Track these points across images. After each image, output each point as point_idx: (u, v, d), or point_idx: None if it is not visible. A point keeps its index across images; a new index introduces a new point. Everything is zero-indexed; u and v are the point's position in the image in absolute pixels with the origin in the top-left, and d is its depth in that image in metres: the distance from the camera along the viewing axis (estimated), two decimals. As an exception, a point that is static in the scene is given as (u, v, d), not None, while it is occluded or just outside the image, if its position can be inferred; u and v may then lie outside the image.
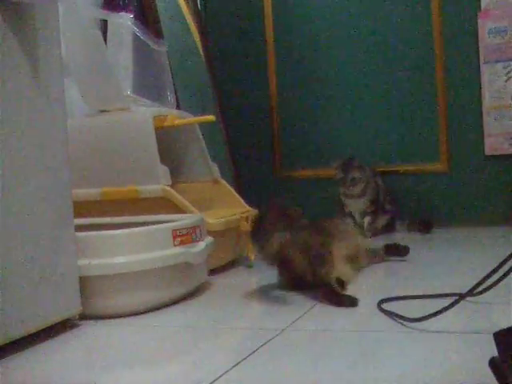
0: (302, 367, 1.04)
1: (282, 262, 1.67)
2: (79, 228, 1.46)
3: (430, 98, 2.93)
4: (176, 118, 2.12)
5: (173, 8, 2.84)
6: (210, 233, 1.83)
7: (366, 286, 1.67)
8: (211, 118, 2.15)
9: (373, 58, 3.02)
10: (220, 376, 1.00)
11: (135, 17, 2.30)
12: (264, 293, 1.77)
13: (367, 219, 2.71)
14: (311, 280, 1.58)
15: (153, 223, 1.62)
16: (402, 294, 1.46)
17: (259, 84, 3.21)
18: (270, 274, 1.93)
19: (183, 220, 1.67)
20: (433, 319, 1.19)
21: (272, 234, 1.61)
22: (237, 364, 1.06)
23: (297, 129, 3.15)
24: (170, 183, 1.98)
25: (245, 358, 1.08)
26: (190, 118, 2.21)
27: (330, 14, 3.08)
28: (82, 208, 1.72)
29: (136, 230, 1.53)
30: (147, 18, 2.44)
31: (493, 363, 0.81)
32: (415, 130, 2.96)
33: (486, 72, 2.79)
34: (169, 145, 2.23)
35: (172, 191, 1.94)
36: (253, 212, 2.21)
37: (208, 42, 3.11)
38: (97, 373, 1.10)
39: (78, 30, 1.99)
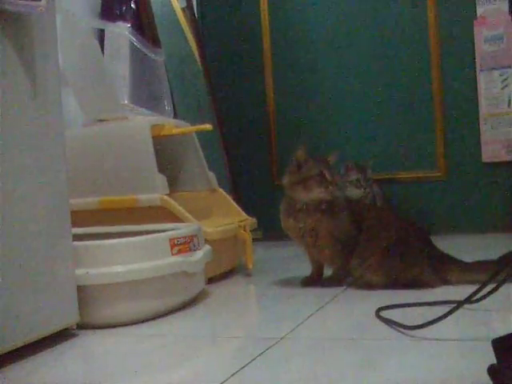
0: (300, 376, 1.04)
1: None
2: (77, 237, 1.46)
3: (427, 106, 2.94)
4: (173, 126, 2.12)
5: (170, 17, 2.85)
6: (207, 242, 1.83)
7: (364, 293, 1.67)
8: (208, 126, 2.15)
9: (370, 66, 3.03)
10: (218, 385, 1.00)
11: (132, 26, 2.30)
12: (262, 301, 1.77)
13: None
14: None
15: (150, 232, 1.62)
16: (400, 301, 1.46)
17: (256, 92, 3.22)
18: (268, 283, 1.93)
19: (181, 229, 1.67)
20: (431, 327, 1.19)
21: None
22: (235, 373, 1.05)
23: (294, 136, 3.15)
24: (168, 192, 1.98)
25: (243, 367, 1.08)
26: (188, 127, 2.21)
27: (327, 23, 3.09)
28: (79, 217, 1.71)
29: (134, 239, 1.53)
30: (144, 28, 2.45)
31: (491, 371, 0.81)
32: (413, 138, 2.97)
33: (482, 80, 2.80)
34: (166, 154, 2.23)
35: (170, 200, 1.94)
36: (250, 220, 2.22)
37: (205, 50, 3.11)
38: (95, 382, 1.10)
39: (75, 40, 1.99)
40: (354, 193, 2.69)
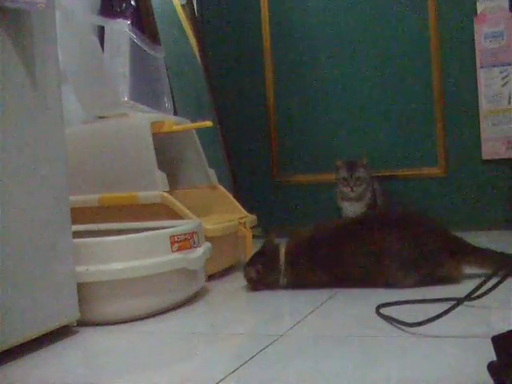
0: (300, 373, 1.04)
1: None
2: (77, 234, 1.46)
3: (427, 103, 2.94)
4: (173, 124, 2.12)
5: (170, 14, 2.85)
6: (207, 238, 1.83)
7: (364, 291, 1.67)
8: (209, 123, 2.15)
9: (370, 63, 3.03)
10: (218, 382, 1.00)
11: (132, 23, 2.30)
12: (262, 298, 1.77)
13: None
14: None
15: (151, 229, 1.62)
16: (400, 298, 1.46)
17: (256, 90, 3.22)
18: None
19: (181, 226, 1.67)
20: (431, 324, 1.19)
21: None
22: (235, 370, 1.05)
23: (294, 134, 3.15)
24: (168, 189, 1.97)
25: (243, 364, 1.08)
26: (188, 124, 2.21)
27: (327, 20, 3.09)
28: (79, 214, 1.71)
29: (134, 236, 1.53)
30: (144, 25, 2.44)
31: (491, 368, 0.81)
32: (413, 135, 2.97)
33: (482, 76, 2.80)
34: (166, 151, 2.23)
35: (170, 197, 1.94)
36: (250, 217, 2.22)
37: (205, 47, 3.11)
38: (95, 379, 1.10)
39: (75, 37, 1.99)
40: (344, 191, 2.71)
